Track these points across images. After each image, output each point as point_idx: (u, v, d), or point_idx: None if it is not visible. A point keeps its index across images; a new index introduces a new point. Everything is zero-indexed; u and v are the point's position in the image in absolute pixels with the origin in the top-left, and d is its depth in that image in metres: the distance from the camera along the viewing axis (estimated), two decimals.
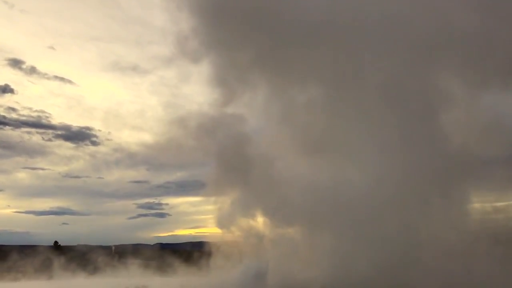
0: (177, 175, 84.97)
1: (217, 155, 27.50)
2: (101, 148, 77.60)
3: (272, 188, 24.55)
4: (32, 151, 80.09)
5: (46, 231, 72.78)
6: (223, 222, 26.86)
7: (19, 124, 71.86)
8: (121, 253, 47.28)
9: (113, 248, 50.08)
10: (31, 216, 73.90)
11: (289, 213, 23.84)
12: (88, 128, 76.46)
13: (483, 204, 24.27)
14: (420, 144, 21.58)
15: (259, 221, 26.73)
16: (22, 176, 78.23)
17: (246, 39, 25.40)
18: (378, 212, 20.72)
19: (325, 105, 24.44)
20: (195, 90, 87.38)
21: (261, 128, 29.15)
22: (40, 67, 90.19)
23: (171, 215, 73.93)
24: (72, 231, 67.25)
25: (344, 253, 20.95)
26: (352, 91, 23.28)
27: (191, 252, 35.94)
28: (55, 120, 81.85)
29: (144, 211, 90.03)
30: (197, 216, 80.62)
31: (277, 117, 26.29)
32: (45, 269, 35.95)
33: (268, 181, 24.94)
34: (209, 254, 28.87)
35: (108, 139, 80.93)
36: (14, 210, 79.48)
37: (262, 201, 25.17)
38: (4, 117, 70.93)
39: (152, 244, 50.21)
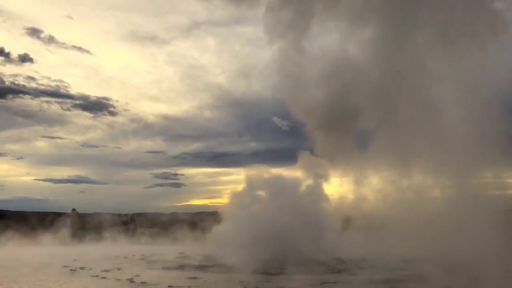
0: (193, 146, 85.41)
1: None
2: (118, 118, 78.10)
3: None
4: (51, 120, 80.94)
5: (64, 198, 74.59)
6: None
7: (38, 93, 72.28)
8: (137, 222, 48.19)
9: (129, 216, 50.98)
10: (49, 184, 75.45)
11: None
12: (105, 98, 76.68)
13: None
14: None
15: None
16: (41, 144, 79.58)
17: None
18: None
19: None
20: (212, 61, 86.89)
21: None
22: (58, 37, 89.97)
23: (186, 185, 74.67)
24: (89, 199, 68.73)
25: None
26: None
27: (205, 222, 36.11)
28: (74, 90, 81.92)
29: (160, 181, 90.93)
30: (212, 187, 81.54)
31: None
32: (63, 235, 36.83)
33: None
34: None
35: (125, 110, 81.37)
36: (34, 177, 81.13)
37: None
38: (24, 86, 71.36)
39: (167, 213, 50.90)
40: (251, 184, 27.77)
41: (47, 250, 30.20)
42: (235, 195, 28.24)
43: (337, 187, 28.60)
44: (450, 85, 19.19)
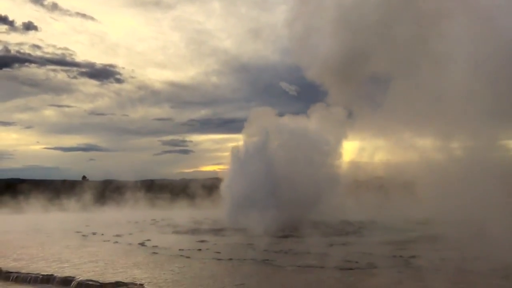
0: (201, 113, 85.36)
1: None
2: (125, 86, 78.06)
3: None
4: (58, 89, 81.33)
5: (74, 166, 75.83)
6: None
7: (44, 61, 72.24)
8: (147, 188, 48.76)
9: (140, 183, 51.51)
10: (59, 152, 76.68)
11: None
12: (112, 66, 76.47)
13: None
14: None
15: None
16: (49, 113, 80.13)
17: None
18: None
19: None
20: (218, 26, 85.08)
21: None
22: (61, 3, 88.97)
23: (195, 152, 75.20)
24: (99, 166, 69.75)
25: None
26: None
27: (214, 188, 36.43)
28: (79, 58, 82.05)
29: (168, 148, 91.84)
30: (221, 153, 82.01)
31: None
32: (74, 201, 37.46)
33: None
34: None
35: (132, 77, 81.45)
36: (43, 146, 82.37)
37: None
38: (29, 54, 71.06)
39: (177, 179, 51.49)
40: (264, 133, 25.85)
41: (60, 216, 30.77)
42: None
43: (349, 147, 27.89)
44: (462, 21, 18.19)
